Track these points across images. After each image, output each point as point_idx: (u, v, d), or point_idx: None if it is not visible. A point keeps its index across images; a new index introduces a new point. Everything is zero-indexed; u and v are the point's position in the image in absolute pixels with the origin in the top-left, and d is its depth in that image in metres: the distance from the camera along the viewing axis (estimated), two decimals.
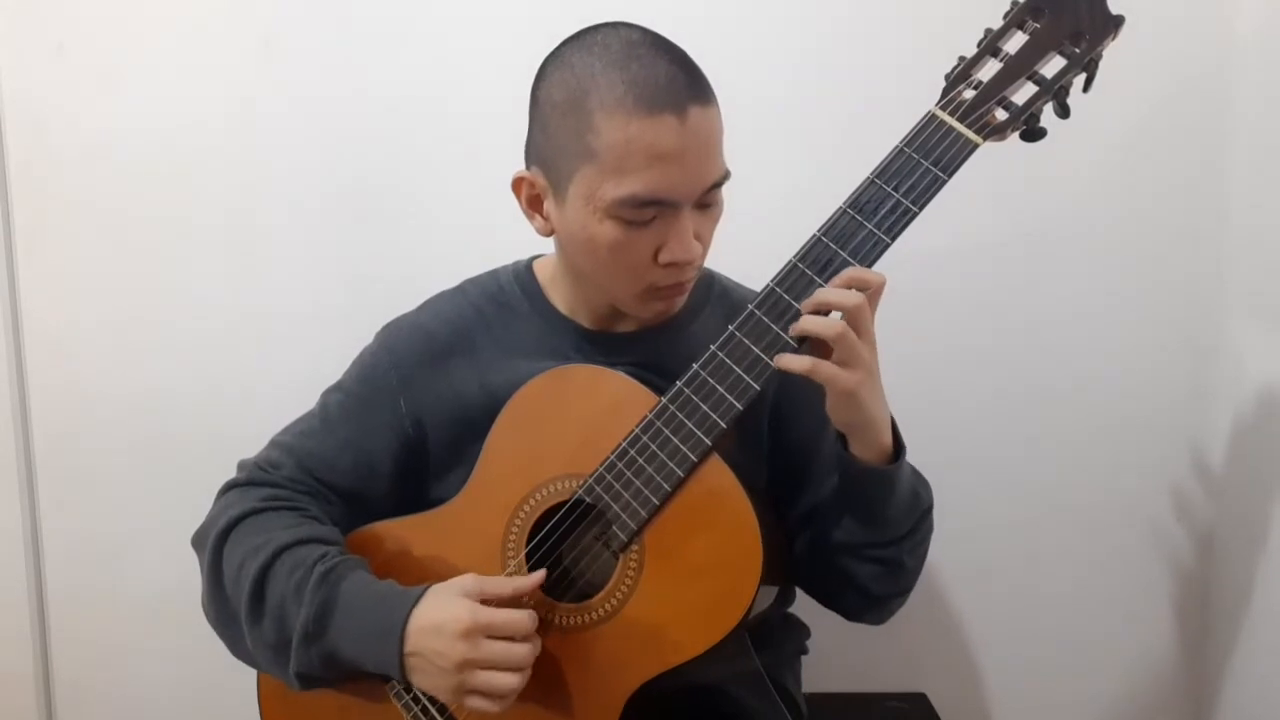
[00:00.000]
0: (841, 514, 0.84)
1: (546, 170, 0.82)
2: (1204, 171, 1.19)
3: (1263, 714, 1.12)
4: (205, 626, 1.25)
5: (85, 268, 1.27)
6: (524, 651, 0.76)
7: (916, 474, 0.86)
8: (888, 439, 0.80)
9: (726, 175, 0.81)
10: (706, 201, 0.81)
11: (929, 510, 0.86)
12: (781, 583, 0.94)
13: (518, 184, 0.85)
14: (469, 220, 1.24)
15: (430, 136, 1.24)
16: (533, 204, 0.86)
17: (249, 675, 0.90)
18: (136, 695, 1.33)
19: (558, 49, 0.83)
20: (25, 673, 1.32)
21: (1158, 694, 1.29)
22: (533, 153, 0.85)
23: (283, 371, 1.26)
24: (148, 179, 1.26)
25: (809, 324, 0.75)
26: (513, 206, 1.21)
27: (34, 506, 1.31)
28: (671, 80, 0.76)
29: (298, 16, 1.22)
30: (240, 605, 0.82)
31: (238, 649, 0.86)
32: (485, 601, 0.77)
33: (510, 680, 0.75)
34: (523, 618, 0.77)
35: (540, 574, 0.80)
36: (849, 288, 0.75)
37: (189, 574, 1.26)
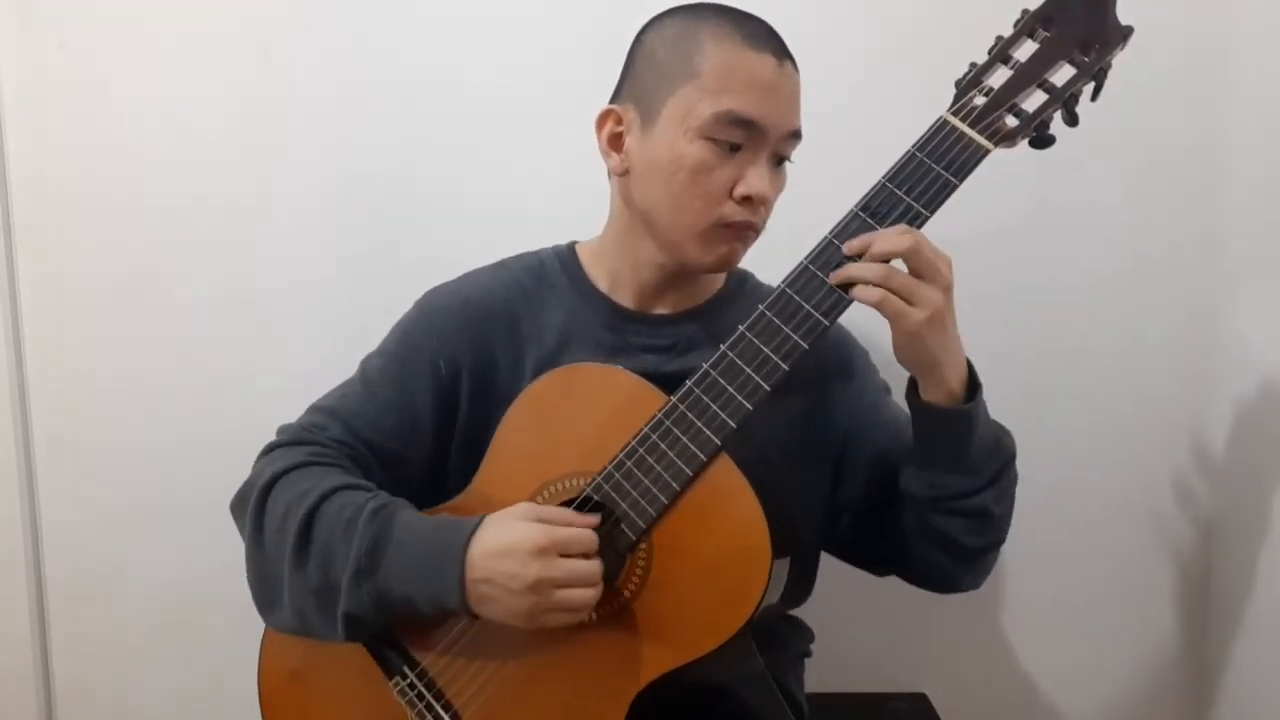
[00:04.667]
0: (924, 466, 0.84)
1: (640, 100, 0.86)
2: (1204, 161, 1.19)
3: (1264, 707, 1.12)
4: (205, 626, 1.27)
5: (85, 267, 1.27)
6: (597, 566, 0.77)
7: (1000, 425, 0.86)
8: (957, 382, 0.80)
9: (800, 134, 0.86)
10: (783, 153, 0.86)
11: (1013, 458, 0.86)
12: (807, 584, 0.95)
13: (603, 117, 0.89)
14: (470, 220, 1.24)
15: (431, 136, 1.24)
16: (612, 142, 0.89)
17: (250, 674, 0.90)
18: (136, 694, 1.32)
19: (659, 14, 0.89)
20: (25, 672, 1.30)
21: (1159, 690, 1.29)
22: (625, 90, 0.89)
23: (283, 371, 1.26)
24: (148, 179, 1.25)
25: (853, 270, 0.76)
26: (515, 206, 1.23)
27: (34, 504, 1.30)
28: (771, 34, 0.85)
29: (298, 16, 1.22)
30: (283, 554, 0.81)
31: (274, 611, 0.85)
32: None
33: (587, 594, 0.76)
34: (589, 534, 0.77)
35: (594, 518, 0.80)
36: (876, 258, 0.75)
37: (189, 574, 1.28)
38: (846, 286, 0.77)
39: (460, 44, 1.22)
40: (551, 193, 1.20)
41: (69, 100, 1.24)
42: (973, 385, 0.82)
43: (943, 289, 0.75)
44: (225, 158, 1.25)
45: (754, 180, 0.83)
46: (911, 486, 0.86)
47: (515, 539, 0.76)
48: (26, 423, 1.29)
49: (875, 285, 0.75)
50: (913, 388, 0.83)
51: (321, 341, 1.25)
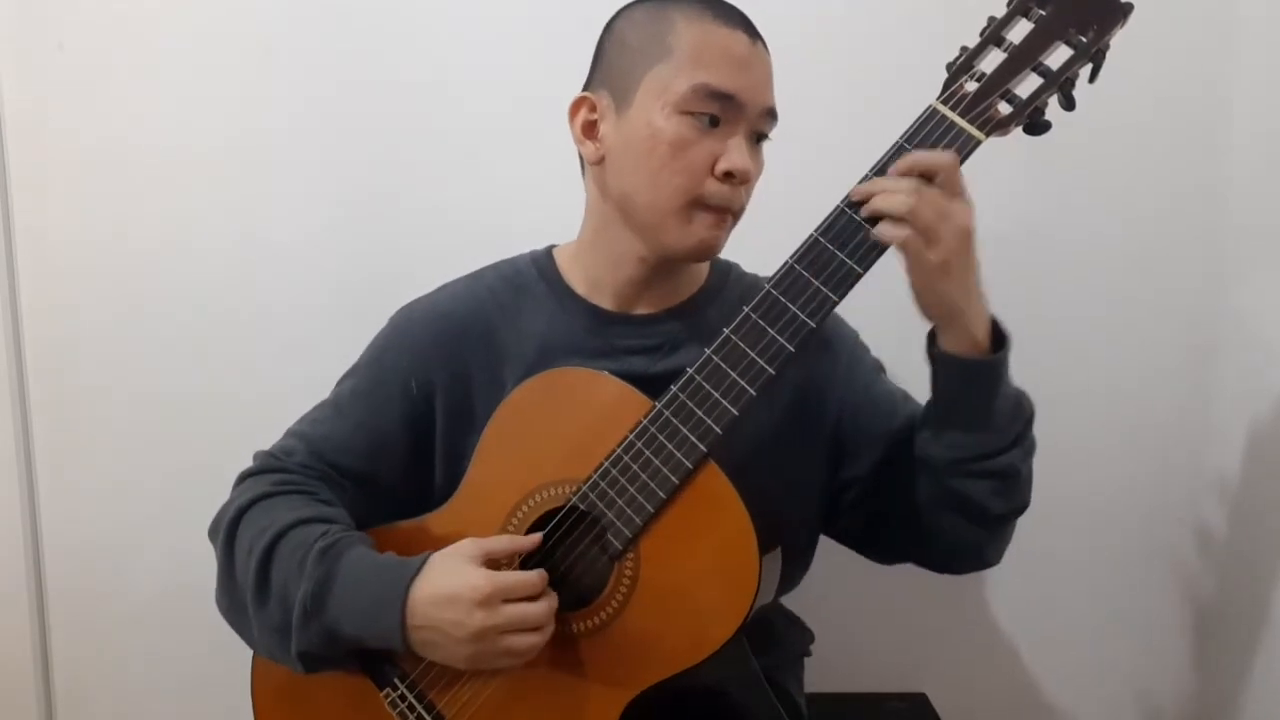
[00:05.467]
0: (944, 426, 0.81)
1: (613, 85, 0.85)
2: (1207, 168, 1.17)
3: (1267, 704, 1.11)
4: (205, 626, 1.25)
5: (85, 268, 1.27)
6: (543, 609, 0.75)
7: (1018, 388, 0.83)
8: (981, 330, 0.77)
9: (776, 114, 0.85)
10: (761, 129, 0.85)
11: (1032, 419, 0.83)
12: (800, 569, 0.94)
13: (576, 105, 0.88)
14: (470, 219, 1.23)
15: (431, 136, 1.23)
16: (586, 130, 0.87)
17: (248, 675, 0.90)
18: (136, 695, 1.34)
19: (627, 4, 0.88)
20: (25, 672, 1.32)
21: (1160, 694, 1.28)
22: (597, 77, 0.88)
23: (283, 371, 1.26)
24: (148, 178, 1.25)
25: (878, 201, 0.73)
26: (513, 206, 1.22)
27: (34, 504, 1.32)
28: (741, 14, 0.84)
29: (298, 15, 1.22)
30: (247, 591, 0.82)
31: (248, 639, 0.86)
32: (491, 563, 0.76)
33: (532, 639, 0.75)
34: (535, 577, 0.76)
35: (536, 537, 0.79)
36: (912, 173, 0.73)
37: (189, 573, 1.27)
38: (830, 281, 0.74)
39: (461, 45, 1.21)
40: (549, 195, 1.18)
41: (69, 100, 1.24)
42: (998, 339, 0.79)
43: (960, 230, 0.73)
44: (224, 158, 1.25)
45: (735, 155, 0.81)
46: (928, 451, 0.82)
47: (458, 587, 0.74)
48: (26, 423, 1.30)
49: (900, 219, 0.72)
50: (933, 342, 0.80)
51: (322, 341, 1.24)
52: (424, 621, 0.75)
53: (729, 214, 0.84)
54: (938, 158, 0.72)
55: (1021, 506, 0.84)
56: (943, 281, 0.74)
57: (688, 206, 0.83)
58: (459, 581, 0.74)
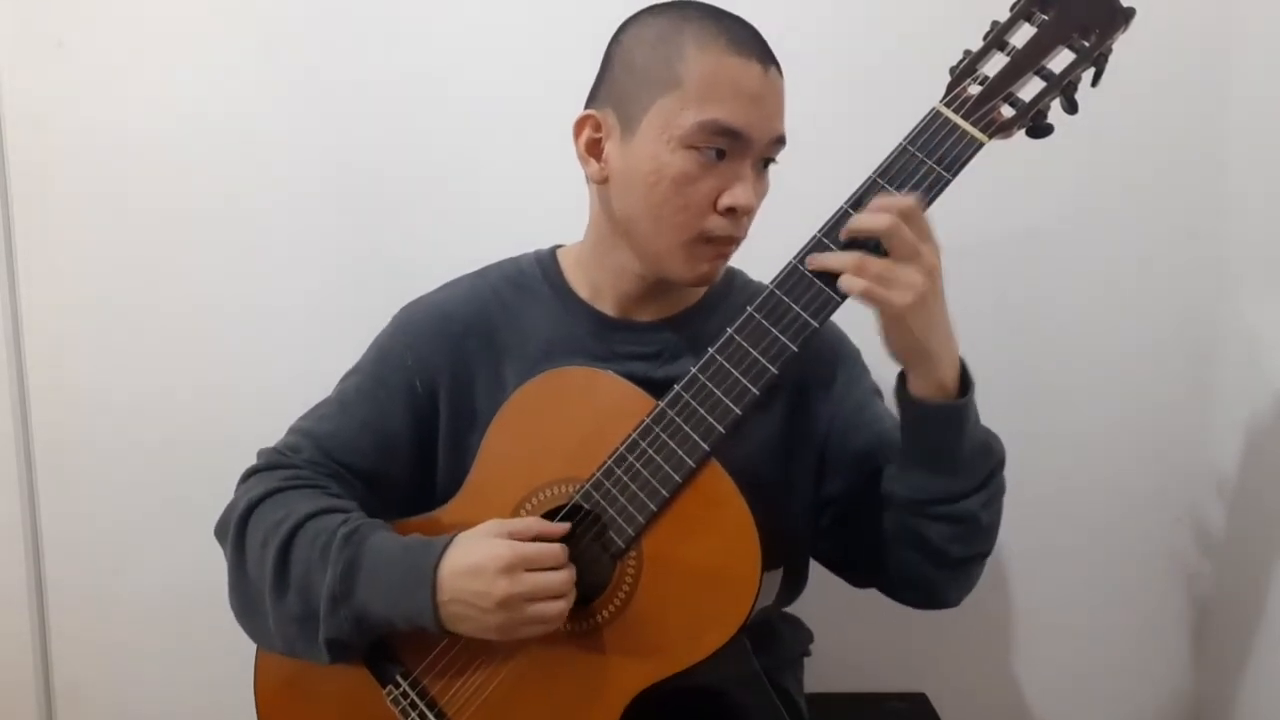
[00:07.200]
0: (908, 466, 0.81)
1: (619, 106, 0.83)
2: (1207, 169, 1.18)
3: (1266, 706, 1.11)
4: (204, 626, 1.28)
5: (85, 267, 1.27)
6: (565, 576, 0.76)
7: (988, 430, 0.82)
8: (949, 375, 0.77)
9: (785, 139, 0.84)
10: (769, 156, 0.84)
11: (1001, 464, 0.82)
12: (800, 582, 0.94)
13: (581, 123, 0.86)
14: (469, 215, 1.23)
15: (430, 132, 1.23)
16: (591, 148, 0.85)
17: (249, 674, 0.90)
18: (136, 695, 1.34)
19: (639, 11, 0.85)
20: (25, 673, 1.32)
21: (1159, 694, 1.28)
22: (603, 94, 0.85)
23: (283, 370, 1.26)
24: (148, 176, 1.25)
25: (827, 259, 0.74)
26: (511, 202, 1.22)
27: (34, 506, 1.32)
28: (755, 37, 0.82)
29: (298, 13, 1.22)
30: (264, 583, 0.81)
31: (262, 636, 0.85)
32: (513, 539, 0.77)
33: (558, 606, 0.76)
34: (556, 548, 0.77)
35: (563, 525, 0.79)
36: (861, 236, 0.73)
37: (189, 574, 1.29)
38: (833, 283, 0.74)
39: (460, 41, 1.22)
40: (552, 193, 1.18)
41: (69, 100, 1.24)
42: (965, 383, 0.79)
43: (926, 272, 0.72)
44: (225, 158, 1.25)
45: (739, 192, 0.80)
46: (893, 488, 0.82)
47: (481, 557, 0.75)
48: (26, 423, 1.30)
49: (855, 275, 0.72)
50: (903, 383, 0.80)
51: (323, 340, 1.24)
52: (452, 595, 0.76)
53: (732, 243, 0.84)
54: (897, 203, 0.71)
55: (983, 553, 0.84)
56: (908, 322, 0.73)
57: (690, 243, 0.82)
58: (483, 552, 0.76)
